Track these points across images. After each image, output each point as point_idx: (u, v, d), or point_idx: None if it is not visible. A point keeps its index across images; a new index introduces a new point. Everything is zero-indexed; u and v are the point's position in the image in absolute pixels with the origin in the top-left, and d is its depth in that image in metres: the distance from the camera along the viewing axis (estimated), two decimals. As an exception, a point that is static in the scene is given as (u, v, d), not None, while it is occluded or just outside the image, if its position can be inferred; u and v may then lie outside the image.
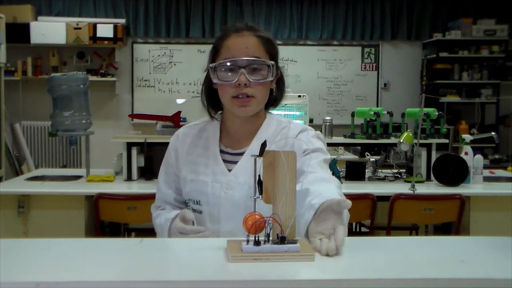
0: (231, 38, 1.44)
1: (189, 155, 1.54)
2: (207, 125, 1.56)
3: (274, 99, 1.52)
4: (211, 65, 1.44)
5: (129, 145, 3.55)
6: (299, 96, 3.59)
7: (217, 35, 1.50)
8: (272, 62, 1.43)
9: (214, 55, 1.47)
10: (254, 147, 1.46)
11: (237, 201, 1.44)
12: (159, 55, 6.78)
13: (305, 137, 1.48)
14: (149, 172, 3.64)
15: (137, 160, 3.55)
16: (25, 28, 6.19)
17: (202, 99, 1.55)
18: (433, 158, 3.48)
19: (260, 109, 1.49)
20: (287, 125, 1.53)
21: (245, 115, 1.46)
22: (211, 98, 1.52)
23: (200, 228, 1.42)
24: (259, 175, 1.10)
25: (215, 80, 1.44)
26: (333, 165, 3.55)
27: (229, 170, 1.48)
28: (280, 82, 1.53)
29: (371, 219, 3.14)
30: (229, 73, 1.41)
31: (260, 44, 1.44)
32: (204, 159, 1.51)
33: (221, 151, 1.51)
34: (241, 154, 1.49)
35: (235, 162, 1.48)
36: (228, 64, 1.41)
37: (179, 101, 6.70)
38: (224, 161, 1.50)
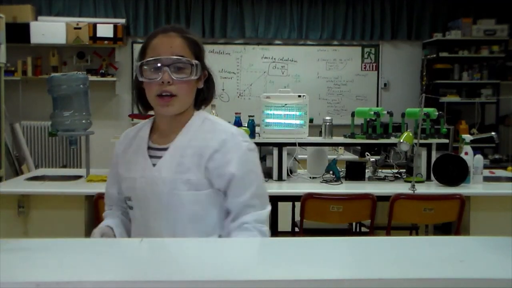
0: (157, 38, 1.49)
1: (125, 153, 1.59)
2: (144, 125, 1.60)
3: (203, 98, 1.58)
4: (137, 63, 1.48)
5: (129, 145, 3.55)
6: (299, 96, 3.59)
7: (147, 36, 1.54)
8: (196, 62, 1.47)
9: (141, 55, 1.50)
10: (177, 142, 1.50)
11: (160, 196, 1.46)
12: (159, 55, 6.77)
13: (239, 151, 1.50)
14: (149, 172, 3.64)
15: (137, 160, 3.54)
16: (25, 28, 6.19)
17: (132, 97, 1.63)
18: (433, 158, 3.48)
19: (186, 108, 1.51)
20: (213, 125, 1.54)
21: (168, 114, 1.50)
22: (142, 96, 1.55)
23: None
24: None
25: (141, 79, 1.47)
26: (333, 165, 3.55)
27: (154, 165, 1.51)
28: (209, 82, 1.58)
29: (371, 219, 3.14)
30: (154, 72, 1.45)
31: (185, 45, 1.48)
32: (135, 156, 1.55)
33: (149, 147, 1.54)
34: (166, 149, 1.51)
35: (160, 157, 1.50)
36: (153, 62, 1.45)
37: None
38: (151, 156, 1.52)
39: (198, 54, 1.51)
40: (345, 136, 3.80)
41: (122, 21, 6.53)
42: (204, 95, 1.57)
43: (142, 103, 1.56)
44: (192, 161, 1.46)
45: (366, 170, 3.68)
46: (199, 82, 1.53)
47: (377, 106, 6.78)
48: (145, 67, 1.46)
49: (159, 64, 1.44)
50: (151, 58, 1.45)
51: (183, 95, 1.47)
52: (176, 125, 1.52)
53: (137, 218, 1.53)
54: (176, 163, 1.47)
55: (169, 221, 1.46)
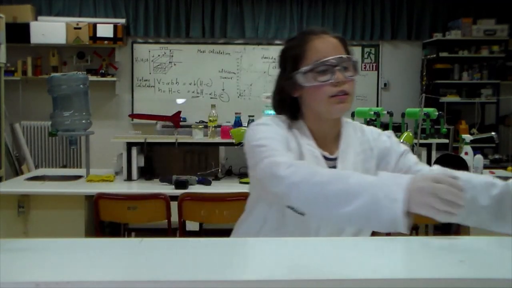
0: (314, 41, 1.44)
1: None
2: (286, 126, 1.48)
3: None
4: (304, 68, 1.42)
5: (129, 145, 3.56)
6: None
7: (291, 44, 1.49)
8: (357, 59, 1.46)
9: (297, 62, 1.45)
10: (344, 150, 1.47)
11: None
12: (159, 55, 6.78)
13: (392, 139, 1.53)
14: (149, 172, 3.64)
15: (137, 160, 3.55)
16: (25, 28, 6.19)
17: (279, 111, 1.51)
18: (433, 158, 3.48)
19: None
20: (357, 127, 1.55)
21: (341, 113, 1.46)
22: (291, 104, 1.49)
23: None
24: None
25: (310, 83, 1.41)
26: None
27: None
28: None
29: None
30: (323, 74, 1.41)
31: (340, 44, 1.46)
32: (311, 162, 1.45)
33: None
34: (335, 159, 1.46)
35: (333, 167, 1.46)
36: (325, 64, 1.40)
37: (179, 101, 6.71)
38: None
39: (350, 52, 1.48)
40: (345, 136, 3.79)
41: (122, 21, 6.53)
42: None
43: (291, 112, 1.49)
44: (361, 167, 1.46)
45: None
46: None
47: (377, 106, 6.78)
48: (313, 72, 1.41)
49: (328, 66, 1.40)
50: (321, 60, 1.41)
51: (353, 94, 1.45)
52: (334, 131, 1.49)
53: (292, 216, 1.31)
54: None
55: (334, 227, 1.41)
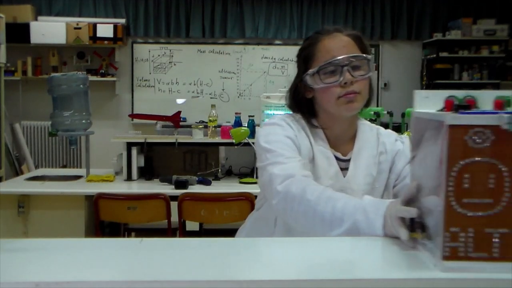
0: (324, 41, 1.43)
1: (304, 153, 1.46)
2: (302, 127, 1.49)
3: (367, 100, 1.48)
4: (310, 71, 1.42)
5: (129, 145, 3.56)
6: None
7: (304, 44, 1.48)
8: (370, 56, 1.42)
9: (307, 63, 1.44)
10: (357, 151, 1.47)
11: None
12: (159, 55, 6.78)
13: (406, 144, 1.52)
14: (149, 172, 3.64)
15: (137, 160, 3.55)
16: (25, 28, 6.20)
17: (294, 111, 1.50)
18: (433, 158, 3.48)
19: (362, 107, 1.45)
20: (374, 129, 1.54)
21: (352, 112, 1.42)
22: (307, 105, 1.48)
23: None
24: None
25: (318, 85, 1.41)
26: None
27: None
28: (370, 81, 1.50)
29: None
30: (331, 75, 1.39)
31: (353, 42, 1.43)
32: (322, 163, 1.46)
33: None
34: (348, 160, 1.46)
35: (346, 168, 1.46)
36: (330, 65, 1.39)
37: (179, 101, 6.71)
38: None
39: (365, 49, 1.44)
40: (345, 136, 3.79)
41: (122, 21, 6.53)
42: (368, 96, 1.46)
43: (305, 112, 1.48)
44: (375, 169, 1.45)
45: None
46: (369, 80, 1.46)
47: (377, 106, 6.78)
48: (321, 73, 1.39)
49: (336, 66, 1.38)
50: (329, 61, 1.38)
51: (364, 92, 1.41)
52: (349, 131, 1.48)
53: None
54: (363, 174, 1.45)
55: None
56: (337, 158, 1.46)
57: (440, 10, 6.87)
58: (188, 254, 1.06)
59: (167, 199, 3.09)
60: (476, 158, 0.88)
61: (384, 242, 1.09)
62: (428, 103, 1.01)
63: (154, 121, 4.76)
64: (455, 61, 6.62)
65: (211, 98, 6.73)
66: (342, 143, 1.48)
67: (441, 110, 0.99)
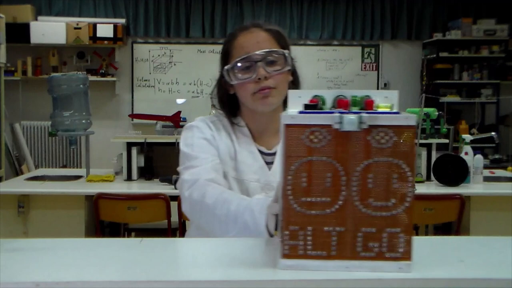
0: (240, 37, 1.43)
1: (226, 151, 1.48)
2: (224, 123, 1.52)
3: None
4: (226, 67, 1.42)
5: (129, 145, 3.56)
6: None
7: (225, 40, 1.49)
8: (287, 51, 1.42)
9: (226, 59, 1.45)
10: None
11: None
12: (159, 55, 6.78)
13: None
14: (149, 172, 3.64)
15: (137, 160, 3.55)
16: (25, 28, 6.20)
17: (220, 107, 1.52)
18: (433, 158, 3.48)
19: (281, 102, 1.45)
20: None
21: (268, 108, 1.42)
22: (229, 102, 1.50)
23: None
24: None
25: (233, 82, 1.42)
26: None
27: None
28: (295, 75, 1.50)
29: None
30: (246, 71, 1.40)
31: (270, 37, 1.42)
32: (247, 159, 1.47)
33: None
34: (274, 154, 1.47)
35: (271, 162, 1.46)
36: (244, 61, 1.39)
37: (179, 101, 6.71)
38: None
39: (285, 44, 1.44)
40: (345, 136, 3.79)
41: (122, 21, 6.53)
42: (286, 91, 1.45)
43: (230, 109, 1.50)
44: None
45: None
46: (289, 75, 1.46)
47: (377, 106, 6.78)
48: (235, 69, 1.40)
49: (251, 62, 1.38)
50: (242, 57, 1.39)
51: (281, 87, 1.41)
52: (274, 125, 1.46)
53: None
54: None
55: None
56: (262, 153, 1.47)
57: (440, 10, 6.87)
58: (188, 254, 1.07)
59: (167, 199, 3.09)
60: (313, 157, 0.89)
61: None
62: (301, 103, 1.01)
63: (154, 121, 4.76)
64: (455, 61, 6.61)
65: (211, 98, 6.72)
66: (267, 137, 1.49)
67: (333, 107, 1.01)
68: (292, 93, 1.05)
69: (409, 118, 0.89)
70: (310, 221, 0.90)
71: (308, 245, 0.91)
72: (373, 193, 0.89)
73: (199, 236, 1.41)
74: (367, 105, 0.99)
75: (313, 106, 0.98)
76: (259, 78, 1.38)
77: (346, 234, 0.90)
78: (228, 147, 1.45)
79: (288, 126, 0.89)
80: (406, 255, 0.91)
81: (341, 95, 1.03)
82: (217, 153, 1.43)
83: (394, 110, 1.00)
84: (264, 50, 1.39)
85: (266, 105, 1.41)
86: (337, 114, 0.87)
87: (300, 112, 0.92)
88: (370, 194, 0.89)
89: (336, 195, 0.89)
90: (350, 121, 0.87)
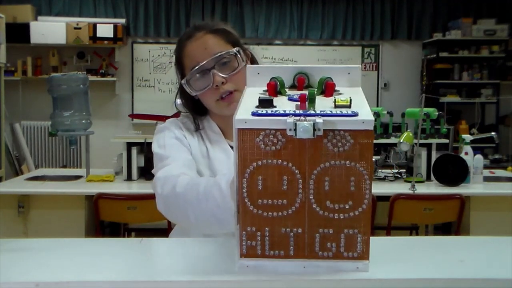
0: (187, 46, 1.42)
1: (198, 148, 1.50)
2: (198, 121, 1.53)
3: None
4: (182, 81, 1.42)
5: (129, 145, 3.56)
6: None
7: (175, 48, 1.47)
8: (237, 49, 1.40)
9: (181, 69, 1.45)
10: None
11: None
12: (159, 55, 6.78)
13: None
14: (149, 172, 3.63)
15: (137, 160, 3.55)
16: (25, 28, 6.19)
17: (186, 109, 1.52)
18: (433, 158, 3.48)
19: None
20: None
21: (234, 112, 1.44)
22: (194, 109, 1.51)
23: None
24: None
25: (193, 93, 1.42)
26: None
27: None
28: (254, 63, 1.49)
29: (371, 219, 3.13)
30: (203, 79, 1.39)
31: (217, 39, 1.41)
32: (219, 155, 1.48)
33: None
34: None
35: None
36: (197, 71, 1.38)
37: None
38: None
39: (234, 40, 1.43)
40: (345, 136, 3.79)
41: (122, 21, 6.53)
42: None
43: (197, 112, 1.50)
44: None
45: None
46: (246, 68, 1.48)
47: (377, 106, 6.78)
48: (191, 81, 1.40)
49: (204, 70, 1.37)
50: (194, 68, 1.38)
51: (242, 86, 1.37)
52: None
53: None
54: None
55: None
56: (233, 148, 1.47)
57: (440, 10, 6.87)
58: (188, 254, 1.06)
59: (167, 199, 3.08)
60: (268, 161, 0.88)
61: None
62: (260, 79, 1.01)
63: (154, 121, 4.75)
64: (455, 61, 6.61)
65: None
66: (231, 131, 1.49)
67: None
68: (250, 69, 1.04)
69: (366, 122, 0.89)
70: (267, 223, 0.90)
71: (266, 245, 0.91)
72: (330, 196, 0.89)
73: (181, 235, 1.42)
74: (327, 87, 0.98)
75: (268, 101, 0.94)
76: (217, 85, 1.38)
77: (303, 235, 0.90)
78: (200, 146, 1.46)
79: (241, 130, 0.89)
80: (364, 255, 0.91)
81: (301, 72, 1.02)
82: (189, 151, 1.43)
83: (352, 108, 0.97)
84: (214, 56, 1.37)
85: (232, 109, 1.40)
86: (291, 121, 0.85)
87: (253, 114, 0.90)
88: (327, 197, 0.89)
89: (293, 198, 0.89)
90: (305, 128, 0.84)
